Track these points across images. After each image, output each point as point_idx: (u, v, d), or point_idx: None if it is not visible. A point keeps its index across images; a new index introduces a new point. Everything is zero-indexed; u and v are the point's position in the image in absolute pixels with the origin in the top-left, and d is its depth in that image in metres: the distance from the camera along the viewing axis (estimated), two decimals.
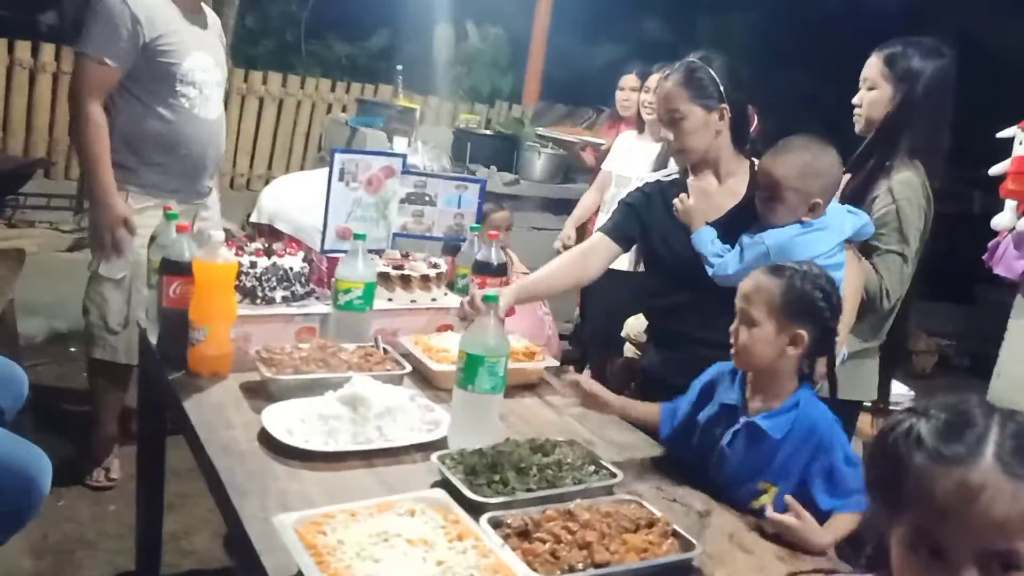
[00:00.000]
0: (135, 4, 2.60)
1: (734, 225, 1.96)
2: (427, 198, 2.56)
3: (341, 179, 2.40)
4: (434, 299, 2.37)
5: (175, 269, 1.90)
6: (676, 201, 2.02)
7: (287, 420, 1.62)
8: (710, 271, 1.92)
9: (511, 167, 5.26)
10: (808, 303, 1.53)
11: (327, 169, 2.37)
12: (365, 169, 2.43)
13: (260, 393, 1.79)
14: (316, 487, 1.44)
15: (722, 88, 1.97)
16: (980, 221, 3.07)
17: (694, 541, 1.28)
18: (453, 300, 2.37)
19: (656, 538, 1.27)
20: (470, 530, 1.22)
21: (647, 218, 2.10)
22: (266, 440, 1.57)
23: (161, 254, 1.96)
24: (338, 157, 2.39)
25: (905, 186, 2.10)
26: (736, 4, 9.11)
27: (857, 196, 2.12)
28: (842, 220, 1.92)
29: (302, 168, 6.77)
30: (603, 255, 2.13)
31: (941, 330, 5.81)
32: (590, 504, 1.32)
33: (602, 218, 3.58)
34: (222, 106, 2.93)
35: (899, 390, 2.69)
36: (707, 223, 1.98)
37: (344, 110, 6.73)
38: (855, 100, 2.25)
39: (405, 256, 2.46)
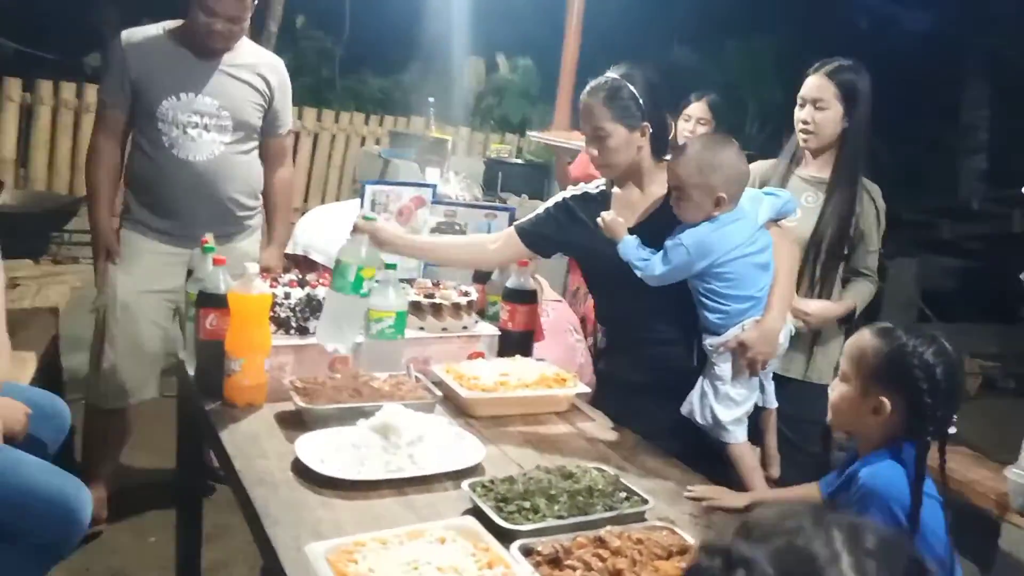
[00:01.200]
0: (127, 42, 2.69)
1: (656, 226, 2.01)
2: (457, 227, 2.59)
3: (372, 210, 2.45)
4: (465, 327, 2.38)
5: (211, 301, 1.94)
6: (599, 219, 2.07)
7: (320, 449, 1.63)
8: (638, 274, 1.97)
9: (542, 195, 5.29)
10: (900, 371, 1.39)
11: (360, 200, 2.41)
12: (396, 200, 2.48)
13: (294, 422, 1.81)
14: (348, 515, 1.45)
15: (643, 106, 2.02)
16: (1021, 240, 3.03)
17: None
18: (485, 328, 2.39)
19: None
20: (500, 558, 1.22)
21: (570, 230, 2.15)
22: (299, 469, 1.59)
23: (198, 287, 2.01)
24: (369, 189, 2.44)
25: (878, 195, 2.46)
26: (763, 27, 9.12)
27: (847, 212, 2.38)
28: (757, 206, 1.98)
29: (337, 199, 6.87)
30: (507, 249, 2.22)
31: (985, 351, 5.68)
32: (621, 531, 1.31)
33: None
34: (220, 149, 2.78)
35: None
36: (629, 229, 2.03)
37: (377, 142, 6.84)
38: (804, 118, 2.41)
39: (436, 285, 2.48)
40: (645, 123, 2.03)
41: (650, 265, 1.95)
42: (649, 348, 2.09)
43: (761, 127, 8.55)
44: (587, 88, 2.08)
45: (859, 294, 2.47)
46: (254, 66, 2.86)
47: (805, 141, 2.43)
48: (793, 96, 2.47)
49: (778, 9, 9.16)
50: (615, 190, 2.17)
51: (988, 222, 6.95)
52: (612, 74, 2.05)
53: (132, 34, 2.72)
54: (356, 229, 2.10)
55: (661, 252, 1.95)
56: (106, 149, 2.74)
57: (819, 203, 2.42)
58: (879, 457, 1.36)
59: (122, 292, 2.75)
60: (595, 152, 2.08)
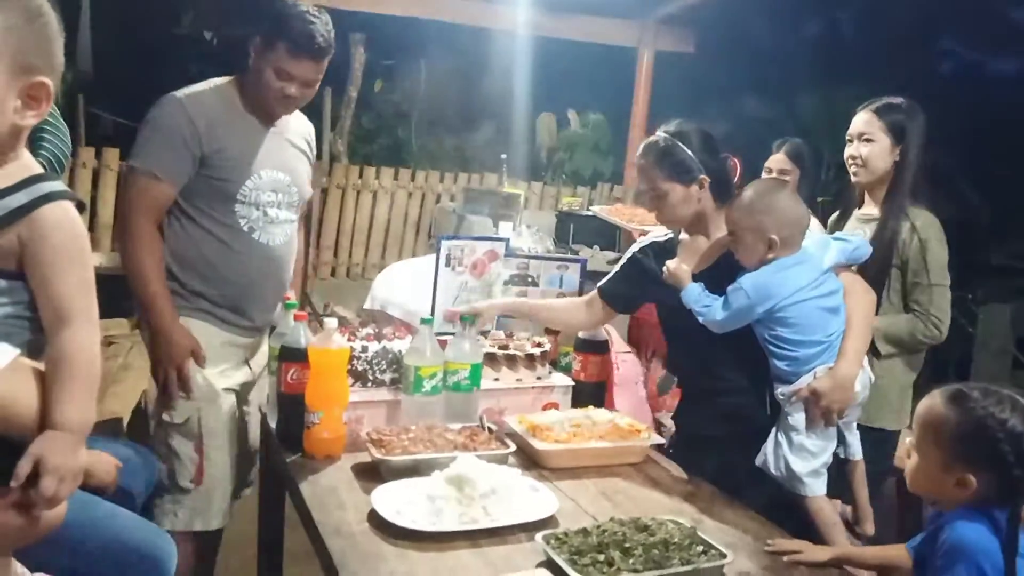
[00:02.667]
0: (194, 110, 2.24)
1: (722, 273, 2.00)
2: (530, 279, 2.62)
3: (448, 264, 2.50)
4: (539, 377, 2.39)
5: (292, 355, 2.01)
6: (664, 268, 2.08)
7: (396, 501, 1.65)
8: (700, 320, 1.97)
9: (614, 246, 5.30)
10: (984, 446, 1.30)
11: (436, 255, 2.47)
12: (470, 254, 2.53)
13: (371, 474, 1.84)
14: (424, 568, 1.46)
15: (697, 158, 2.03)
16: None
17: None
18: (559, 379, 2.39)
19: None
20: None
21: (642, 284, 2.21)
22: (376, 521, 1.61)
23: (280, 341, 2.08)
24: (444, 244, 2.50)
25: (929, 226, 2.38)
26: (839, 79, 9.01)
27: (888, 241, 2.37)
28: (823, 252, 1.96)
29: (413, 255, 7.03)
30: (600, 311, 2.31)
31: None
32: None
33: None
34: (294, 230, 2.49)
35: None
36: (696, 275, 2.03)
37: (452, 199, 7.00)
38: (852, 153, 2.47)
39: (509, 336, 2.51)
40: (702, 176, 2.05)
41: (711, 310, 1.94)
42: (721, 398, 2.06)
43: (837, 175, 8.40)
44: (639, 150, 2.12)
45: (891, 325, 2.38)
46: (304, 132, 2.54)
47: (855, 175, 2.47)
48: None
49: (856, 60, 9.07)
50: (683, 236, 2.18)
51: None
52: (661, 133, 2.08)
53: (193, 97, 2.27)
54: (460, 315, 2.22)
55: (723, 298, 1.94)
56: (154, 234, 2.25)
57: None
58: (967, 515, 1.29)
59: (212, 393, 2.32)
60: (655, 211, 2.12)
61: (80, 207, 1.30)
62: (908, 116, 2.41)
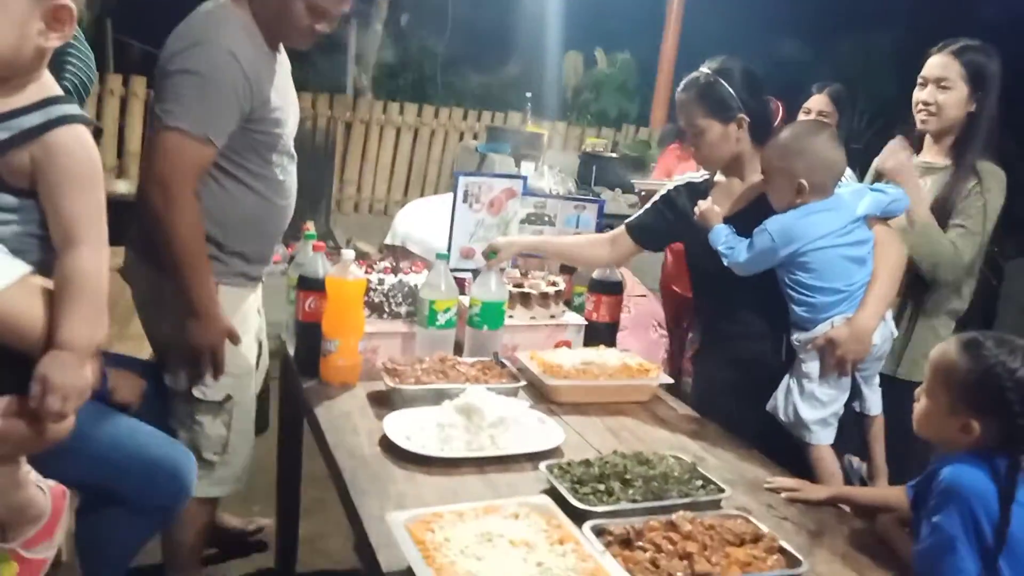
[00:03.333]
0: (246, 64, 1.97)
1: (753, 216, 1.97)
2: (547, 218, 2.63)
3: (465, 201, 2.52)
4: (552, 316, 2.42)
5: (310, 285, 2.05)
6: (696, 208, 2.07)
7: (407, 427, 1.71)
8: (725, 262, 1.96)
9: (635, 189, 5.27)
10: (991, 394, 1.30)
11: (453, 191, 2.49)
12: (487, 191, 2.54)
13: (384, 402, 1.90)
14: (430, 490, 1.51)
15: (739, 97, 2.00)
16: None
17: (801, 558, 1.26)
18: (572, 317, 2.43)
19: (761, 552, 1.26)
20: (571, 535, 1.25)
21: (673, 222, 2.21)
22: (387, 445, 1.67)
23: (298, 271, 2.13)
24: (462, 180, 2.51)
25: (991, 176, 2.23)
26: (873, 22, 8.75)
27: (953, 191, 2.23)
28: (856, 201, 1.91)
29: (436, 192, 7.05)
30: (625, 248, 2.31)
31: None
32: (693, 516, 1.32)
33: None
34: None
35: None
36: (728, 218, 2.02)
37: (475, 137, 6.97)
38: (925, 98, 2.28)
39: (525, 275, 2.54)
40: (741, 115, 2.01)
41: (736, 252, 1.94)
42: (740, 342, 2.07)
43: (870, 122, 8.24)
44: (681, 85, 2.08)
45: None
46: (284, 54, 2.22)
47: (924, 123, 2.30)
48: (909, 91, 2.35)
49: (896, 3, 8.78)
50: (718, 178, 2.17)
51: None
52: (705, 69, 2.04)
53: (239, 45, 1.97)
54: (488, 263, 2.26)
55: (748, 240, 1.94)
56: (197, 203, 1.98)
57: (927, 191, 2.29)
58: (967, 459, 1.32)
59: (247, 368, 2.22)
60: (693, 149, 2.10)
61: (96, 133, 1.32)
62: (990, 59, 2.23)
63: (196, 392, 2.11)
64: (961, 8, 9.02)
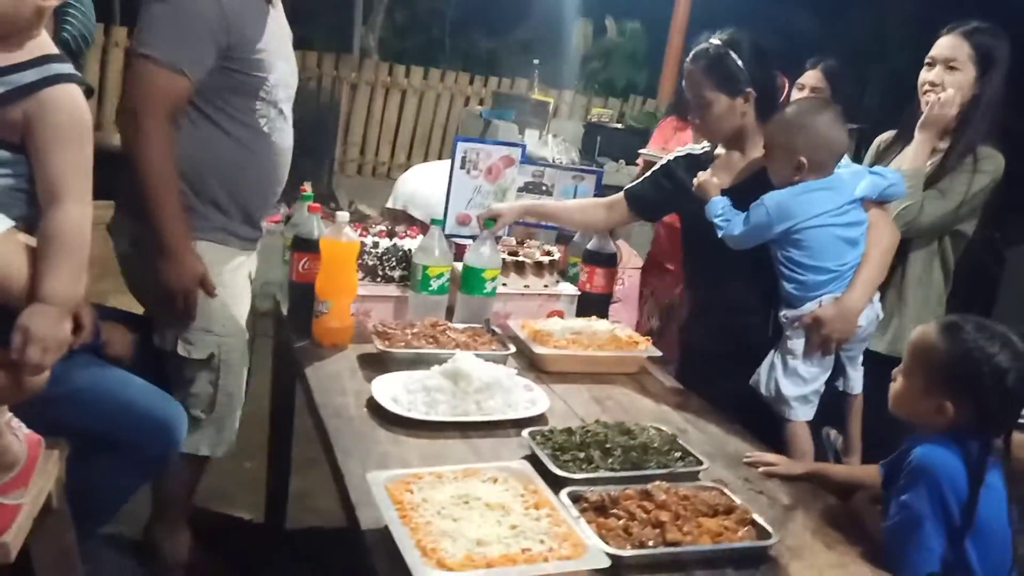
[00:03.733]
0: None
1: (751, 189, 1.97)
2: (544, 187, 2.63)
3: (463, 167, 2.52)
4: (546, 285, 2.43)
5: (305, 246, 2.06)
6: (695, 180, 2.06)
7: (394, 390, 1.73)
8: (720, 233, 1.96)
9: None
10: (967, 377, 1.33)
11: (452, 156, 2.49)
12: (486, 158, 2.53)
13: (374, 364, 1.92)
14: (414, 452, 1.54)
15: (748, 71, 1.98)
16: None
17: (771, 531, 1.29)
18: (565, 287, 2.44)
19: (732, 524, 1.28)
20: (547, 500, 1.28)
21: (671, 193, 2.20)
22: (373, 407, 1.69)
23: (293, 232, 2.14)
24: (460, 146, 2.50)
25: (988, 159, 2.19)
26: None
27: (944, 173, 2.19)
28: (856, 181, 1.92)
29: (440, 158, 7.02)
30: (620, 214, 2.31)
31: None
32: (669, 486, 1.35)
33: None
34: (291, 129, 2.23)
35: None
36: (726, 191, 2.01)
37: (481, 102, 6.93)
38: (932, 78, 2.24)
39: (520, 243, 2.55)
40: (749, 89, 2.00)
41: (731, 225, 1.94)
42: (728, 315, 2.08)
43: (883, 99, 8.16)
44: (689, 55, 2.06)
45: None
46: (282, 11, 2.19)
47: (928, 104, 2.25)
48: (920, 69, 2.31)
49: None
50: (719, 151, 2.16)
51: None
52: (715, 40, 2.02)
53: None
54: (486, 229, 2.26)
55: (745, 214, 1.94)
56: (171, 137, 1.94)
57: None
58: (939, 439, 1.34)
59: (235, 328, 2.19)
60: (697, 120, 2.08)
61: (88, 92, 1.35)
62: (999, 42, 2.20)
63: (180, 349, 2.11)
64: None
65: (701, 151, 2.21)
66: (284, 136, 2.16)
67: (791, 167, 1.89)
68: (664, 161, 2.26)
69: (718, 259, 2.04)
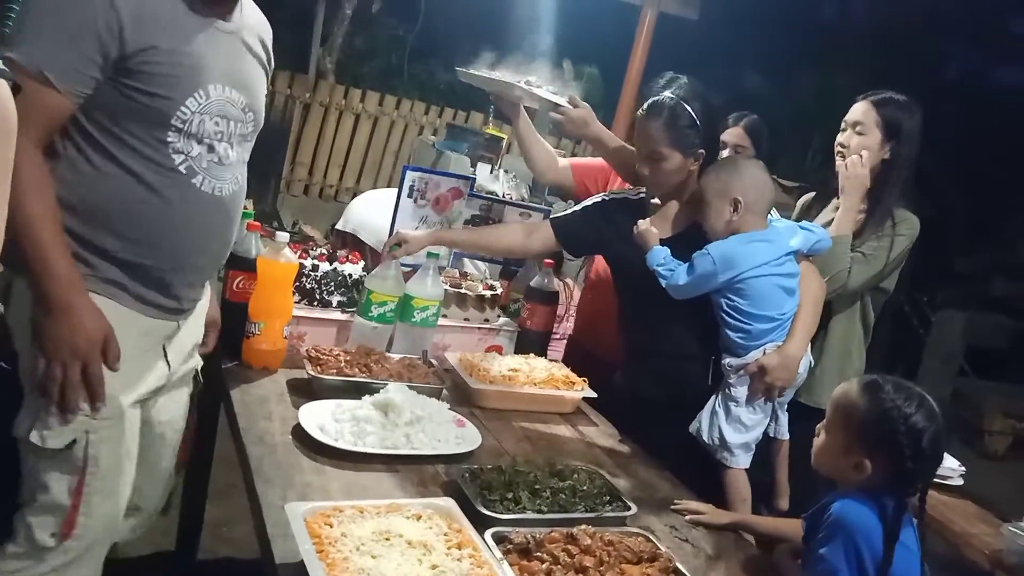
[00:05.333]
0: None
1: (688, 241, 2.01)
2: (491, 221, 2.62)
3: (410, 195, 2.49)
4: (487, 320, 2.42)
5: (240, 264, 2.01)
6: (635, 227, 2.07)
7: (322, 418, 1.68)
8: (663, 283, 1.98)
9: None
10: (885, 436, 1.34)
11: (400, 184, 2.46)
12: (434, 188, 2.52)
13: (304, 391, 1.86)
14: (337, 484, 1.49)
15: (701, 132, 2.02)
16: None
17: None
18: (505, 322, 2.43)
19: (655, 573, 1.27)
20: (471, 540, 1.25)
21: (604, 232, 2.17)
22: (299, 435, 1.64)
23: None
24: (409, 174, 2.48)
25: (904, 223, 2.29)
26: (840, 65, 8.97)
27: (861, 232, 2.28)
28: (790, 235, 2.00)
29: (390, 184, 6.99)
30: (542, 240, 2.24)
31: (1019, 412, 5.52)
32: (595, 531, 1.33)
33: None
34: (242, 172, 1.74)
35: (950, 463, 2.56)
36: (662, 240, 2.04)
37: (435, 133, 6.93)
38: (842, 140, 2.37)
39: (463, 276, 2.53)
40: (701, 150, 2.03)
41: (675, 275, 1.96)
42: (666, 362, 2.08)
43: (824, 162, 8.44)
44: (646, 106, 2.05)
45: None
46: (261, 32, 1.81)
47: (839, 167, 2.36)
48: None
49: (861, 47, 9.03)
50: (655, 200, 2.17)
51: None
52: (668, 94, 2.02)
53: None
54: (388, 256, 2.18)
55: (687, 264, 1.96)
56: (41, 164, 1.47)
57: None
58: (857, 495, 1.35)
59: (113, 409, 1.57)
60: (646, 172, 2.08)
61: (15, 89, 1.23)
62: (906, 114, 2.32)
63: (35, 433, 1.51)
64: (921, 60, 9.33)
65: (636, 197, 2.20)
66: (222, 183, 1.65)
67: (729, 207, 1.94)
68: (598, 200, 2.23)
69: (655, 305, 2.04)
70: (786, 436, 2.05)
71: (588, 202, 2.25)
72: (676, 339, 2.07)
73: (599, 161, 2.65)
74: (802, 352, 1.95)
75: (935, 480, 2.18)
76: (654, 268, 1.99)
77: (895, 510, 1.30)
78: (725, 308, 1.95)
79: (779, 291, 1.93)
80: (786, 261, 1.96)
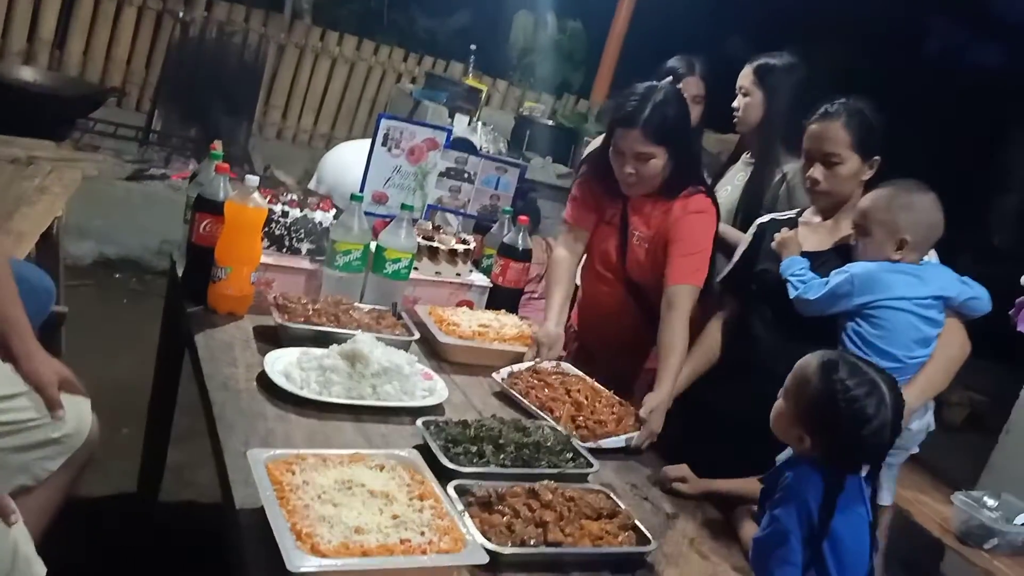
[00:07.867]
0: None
1: (831, 262, 1.89)
2: (466, 175, 2.59)
3: (384, 144, 2.45)
4: (458, 274, 2.40)
5: (208, 207, 1.96)
6: (777, 234, 1.99)
7: (287, 366, 1.67)
8: (793, 293, 1.86)
9: (567, 160, 5.26)
10: (829, 417, 1.33)
11: (374, 133, 2.42)
12: (409, 138, 2.48)
13: (270, 338, 1.85)
14: (301, 432, 1.49)
15: (878, 137, 1.89)
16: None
17: (651, 537, 1.30)
18: (477, 277, 2.41)
19: (614, 528, 1.29)
20: (433, 492, 1.25)
21: (757, 255, 2.06)
22: (264, 382, 1.62)
23: (198, 191, 2.03)
24: (384, 122, 2.44)
25: (796, 173, 2.31)
26: (824, 36, 8.91)
27: (758, 184, 2.46)
28: (943, 279, 1.85)
29: (365, 132, 6.87)
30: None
31: (979, 385, 5.66)
32: (556, 487, 1.34)
33: None
34: None
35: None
36: (804, 253, 1.93)
37: (413, 81, 6.81)
38: (735, 104, 2.56)
39: (436, 229, 2.50)
40: (877, 157, 1.90)
41: (808, 287, 1.84)
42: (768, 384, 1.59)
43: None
44: (821, 111, 1.94)
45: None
46: None
47: (735, 125, 2.59)
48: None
49: (847, 20, 8.97)
50: (805, 216, 2.06)
51: (1008, 261, 6.89)
52: (841, 100, 1.91)
53: None
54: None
55: (823, 279, 1.85)
56: None
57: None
58: (810, 463, 1.35)
59: None
60: (818, 176, 1.93)
61: None
62: (782, 74, 2.48)
63: None
64: (897, 41, 9.30)
65: (785, 218, 2.10)
66: None
67: (892, 244, 1.81)
68: (755, 227, 2.13)
69: (775, 322, 1.92)
70: (888, 501, 1.93)
71: (743, 245, 2.14)
72: (780, 362, 1.61)
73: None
74: (916, 405, 1.79)
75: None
76: (787, 277, 1.88)
77: (832, 486, 1.30)
78: (850, 333, 1.82)
79: (914, 331, 1.81)
80: (932, 305, 1.82)
